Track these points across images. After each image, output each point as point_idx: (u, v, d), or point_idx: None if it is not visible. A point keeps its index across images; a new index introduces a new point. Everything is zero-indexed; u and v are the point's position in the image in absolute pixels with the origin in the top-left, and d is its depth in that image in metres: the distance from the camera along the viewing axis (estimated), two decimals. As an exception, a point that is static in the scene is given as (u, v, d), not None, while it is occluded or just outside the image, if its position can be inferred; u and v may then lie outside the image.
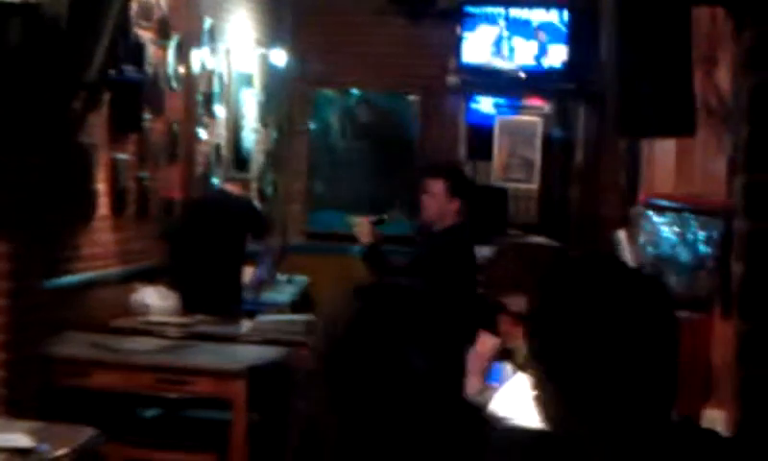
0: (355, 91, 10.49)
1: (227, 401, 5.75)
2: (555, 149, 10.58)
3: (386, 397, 1.90)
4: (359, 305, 1.98)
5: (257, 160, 9.70)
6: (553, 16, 9.98)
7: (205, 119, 8.44)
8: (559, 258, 3.08)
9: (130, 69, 6.71)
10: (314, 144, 10.55)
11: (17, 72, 5.03)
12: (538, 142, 10.56)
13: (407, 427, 1.91)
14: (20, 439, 4.26)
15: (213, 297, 7.15)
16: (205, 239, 7.35)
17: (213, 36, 8.52)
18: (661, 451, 1.85)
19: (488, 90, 10.52)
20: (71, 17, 5.30)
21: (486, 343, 4.40)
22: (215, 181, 8.34)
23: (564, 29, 9.94)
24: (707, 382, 3.84)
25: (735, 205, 3.05)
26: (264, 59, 9.83)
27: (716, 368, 3.84)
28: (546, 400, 1.90)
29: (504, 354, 4.37)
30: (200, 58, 8.23)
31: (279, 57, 10.00)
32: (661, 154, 5.42)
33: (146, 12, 7.12)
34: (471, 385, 4.17)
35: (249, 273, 7.67)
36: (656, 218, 4.36)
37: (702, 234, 4.19)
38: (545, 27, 9.99)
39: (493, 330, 4.24)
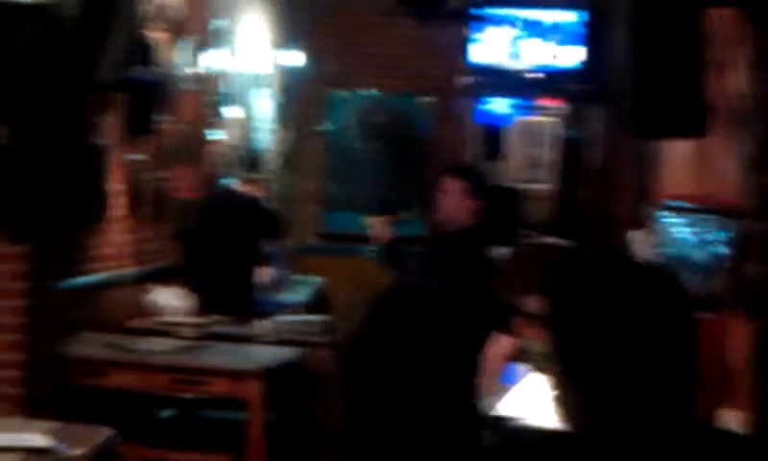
0: (369, 92, 10.49)
1: (242, 402, 5.76)
2: (569, 149, 10.56)
3: (400, 400, 1.92)
4: (380, 309, 2.00)
5: (273, 161, 9.71)
6: (568, 17, 9.97)
7: (219, 120, 8.45)
8: (573, 258, 3.09)
9: (143, 70, 6.72)
10: (328, 145, 10.55)
11: (31, 74, 5.05)
12: (552, 143, 10.54)
13: (417, 430, 1.92)
14: (37, 438, 4.27)
15: (228, 297, 7.17)
16: (220, 240, 7.37)
17: (226, 37, 8.54)
18: (681, 450, 1.85)
19: (501, 91, 10.51)
20: (84, 18, 5.32)
21: (501, 344, 4.42)
22: (228, 181, 8.35)
23: (578, 30, 9.93)
24: (721, 383, 3.85)
25: (750, 205, 3.05)
26: (278, 59, 9.84)
27: (731, 368, 3.84)
28: (565, 400, 1.91)
29: (519, 355, 4.38)
30: (213, 58, 8.24)
31: (294, 58, 10.01)
32: (675, 155, 5.42)
33: (159, 13, 7.14)
34: (487, 385, 4.19)
35: (263, 273, 7.68)
36: (669, 218, 4.37)
37: (716, 235, 4.19)
38: (560, 28, 9.98)
39: (508, 331, 4.26)
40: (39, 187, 5.32)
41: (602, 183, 9.90)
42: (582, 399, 1.87)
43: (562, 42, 9.94)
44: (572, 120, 10.53)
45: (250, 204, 7.73)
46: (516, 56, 10.01)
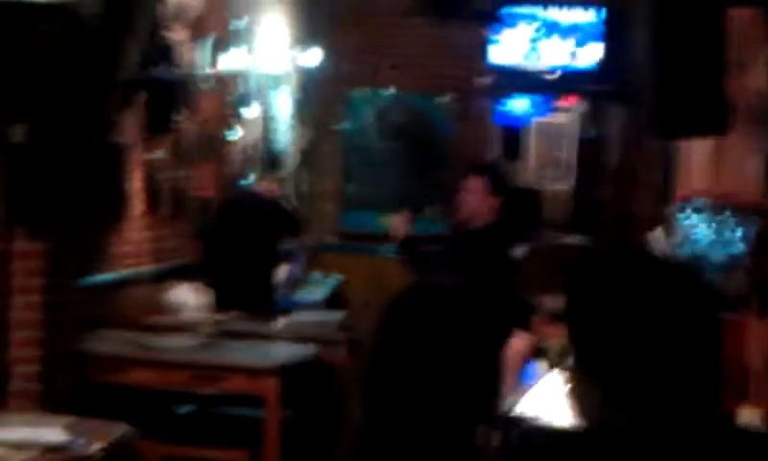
0: (388, 92, 10.49)
1: (259, 399, 5.77)
2: (589, 149, 10.55)
3: (420, 401, 1.91)
4: (398, 309, 1.99)
5: (292, 160, 9.72)
6: (587, 17, 9.95)
7: (238, 119, 8.46)
8: (593, 254, 3.08)
9: (163, 69, 6.74)
10: (347, 144, 10.56)
11: (51, 72, 5.07)
12: (572, 142, 10.53)
13: (437, 431, 1.91)
14: (54, 434, 4.28)
15: (246, 295, 7.17)
16: (238, 238, 7.38)
17: (246, 36, 8.54)
18: (703, 448, 1.84)
19: (521, 91, 10.51)
20: (105, 18, 5.34)
21: (520, 342, 4.41)
22: (247, 180, 8.36)
23: (597, 29, 9.91)
24: (741, 381, 3.83)
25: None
26: (298, 59, 9.84)
27: (751, 367, 3.83)
28: (583, 395, 1.90)
29: (538, 353, 4.38)
30: (233, 58, 8.25)
31: (313, 57, 10.02)
32: (695, 153, 5.40)
33: (179, 13, 7.15)
34: (505, 384, 4.18)
35: (282, 271, 7.69)
36: (690, 217, 4.35)
37: (737, 233, 4.18)
38: (579, 28, 9.96)
39: (527, 329, 4.26)
40: (58, 185, 5.33)
41: (620, 183, 9.88)
42: (599, 395, 1.86)
43: (581, 42, 9.93)
44: (591, 120, 10.51)
45: (271, 202, 7.74)
46: (535, 56, 10.00)
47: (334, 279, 9.50)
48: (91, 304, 5.92)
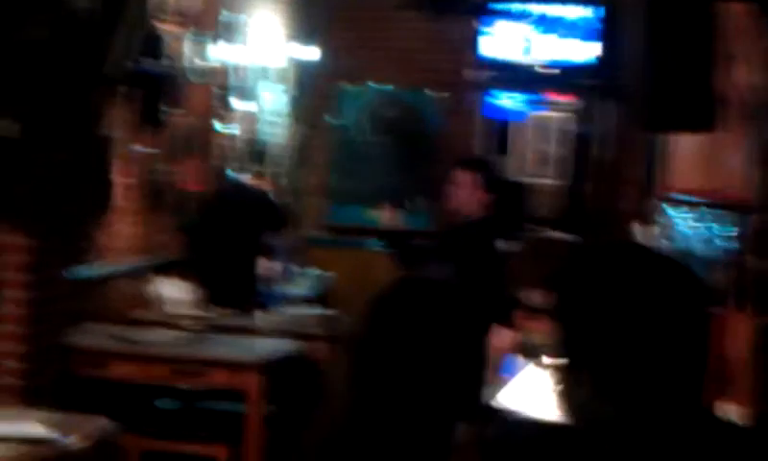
0: (379, 87, 10.47)
1: (242, 393, 5.76)
2: (576, 144, 10.56)
3: (405, 395, 1.90)
4: (386, 303, 1.98)
5: (282, 155, 9.70)
6: (578, 13, 9.94)
7: (225, 113, 8.44)
8: (583, 248, 3.06)
9: (151, 63, 6.71)
10: (336, 139, 10.54)
11: (40, 66, 5.05)
12: (560, 138, 10.53)
13: (422, 425, 1.90)
14: (36, 428, 4.26)
15: (231, 289, 7.16)
16: (224, 232, 7.36)
17: (234, 29, 8.53)
18: (689, 440, 1.83)
19: (510, 86, 10.50)
20: (95, 10, 5.32)
21: (502, 336, 4.40)
22: (234, 174, 8.34)
23: (590, 26, 9.91)
24: (721, 376, 3.83)
25: (754, 200, 3.03)
26: (288, 53, 9.83)
27: (731, 362, 3.82)
28: (570, 389, 1.88)
29: (519, 348, 4.37)
30: (221, 51, 8.23)
31: (304, 52, 10.00)
32: (683, 149, 5.40)
33: (168, 6, 7.13)
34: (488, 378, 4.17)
35: (267, 266, 7.67)
36: (673, 212, 4.35)
37: (719, 229, 4.17)
38: (570, 24, 9.96)
39: (509, 324, 4.25)
40: (45, 178, 5.31)
41: (609, 178, 9.88)
42: (586, 389, 1.85)
43: (573, 38, 9.92)
44: (579, 115, 10.52)
45: (257, 197, 7.73)
46: (527, 51, 9.99)
47: (322, 274, 9.49)
48: (76, 298, 5.89)
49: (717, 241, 4.11)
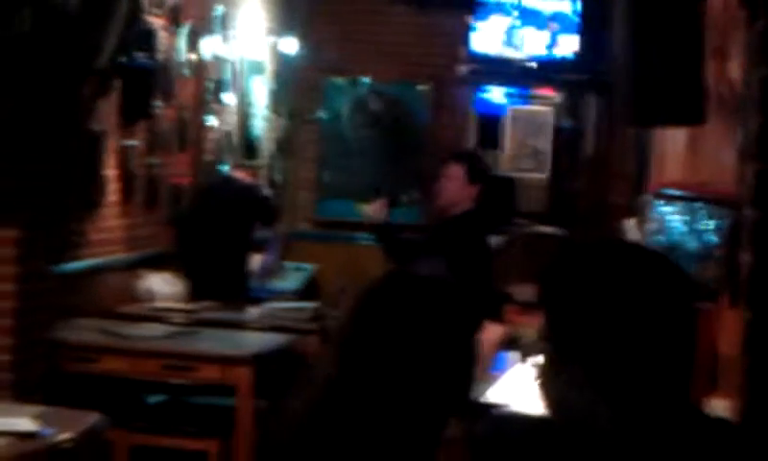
0: (366, 80, 10.46)
1: (232, 388, 5.75)
2: (565, 139, 10.54)
3: (392, 393, 1.89)
4: (372, 298, 1.97)
5: (267, 148, 9.69)
6: (565, 6, 9.93)
7: (215, 106, 8.43)
8: (565, 247, 3.06)
9: (140, 56, 6.70)
10: (324, 132, 10.53)
11: (27, 59, 5.03)
12: (548, 132, 10.52)
13: (409, 423, 1.90)
14: (24, 423, 4.25)
15: (220, 284, 7.15)
16: (213, 226, 7.35)
17: (224, 23, 8.51)
18: (676, 435, 1.84)
19: (498, 80, 10.48)
20: (82, 4, 5.30)
21: (492, 331, 4.40)
22: (224, 168, 8.33)
23: (575, 19, 9.90)
24: (712, 372, 3.83)
25: (744, 194, 3.03)
26: (275, 47, 9.82)
27: (722, 357, 3.83)
28: (558, 385, 1.88)
29: (510, 343, 4.37)
30: (210, 45, 8.22)
31: (291, 45, 9.99)
32: (671, 143, 5.40)
33: (157, -1, 7.12)
34: (477, 373, 4.16)
35: (256, 260, 7.67)
36: (664, 207, 4.34)
37: (710, 224, 4.18)
38: (557, 17, 9.95)
39: (499, 319, 4.25)
40: (33, 172, 5.30)
41: (596, 173, 9.89)
42: (574, 384, 1.85)
43: (558, 31, 9.91)
44: (568, 110, 10.51)
45: (246, 190, 7.72)
46: (512, 45, 9.98)
47: (309, 268, 9.48)
48: (64, 292, 5.88)
49: (708, 236, 4.12)
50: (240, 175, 7.98)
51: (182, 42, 7.62)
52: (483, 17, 9.98)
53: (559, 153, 10.40)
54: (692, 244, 4.19)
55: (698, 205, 4.25)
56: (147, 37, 6.86)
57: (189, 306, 6.82)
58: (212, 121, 8.37)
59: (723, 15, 4.45)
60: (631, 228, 5.28)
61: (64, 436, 4.26)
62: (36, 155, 5.30)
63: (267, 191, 8.43)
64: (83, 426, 4.42)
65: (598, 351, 1.84)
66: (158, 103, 7.20)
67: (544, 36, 9.91)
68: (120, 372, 5.85)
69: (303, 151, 10.52)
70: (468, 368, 1.99)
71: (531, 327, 3.35)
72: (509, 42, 9.96)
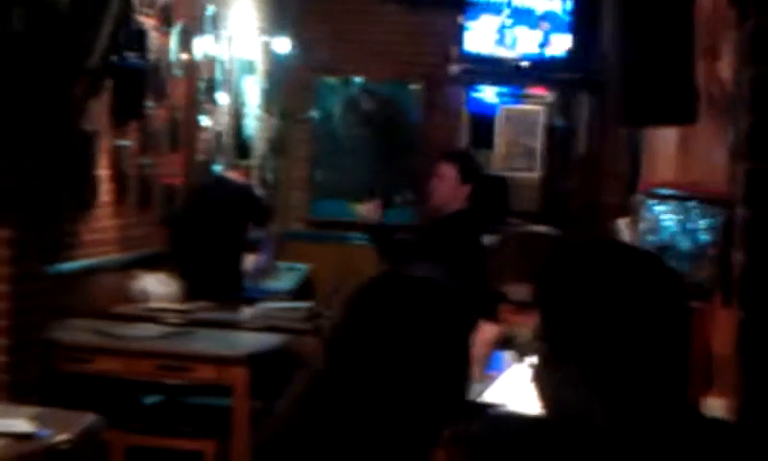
0: (358, 79, 10.47)
1: (228, 388, 5.76)
2: (557, 138, 10.56)
3: (384, 395, 1.89)
4: (363, 300, 1.97)
5: (260, 148, 9.70)
6: (556, 5, 9.95)
7: (208, 106, 8.43)
8: (559, 247, 3.08)
9: (132, 56, 6.71)
10: (316, 132, 10.53)
11: (19, 58, 5.03)
12: (540, 131, 10.53)
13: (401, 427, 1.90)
14: (20, 424, 4.26)
15: (214, 284, 7.16)
16: (207, 226, 7.35)
17: (216, 23, 8.52)
18: (672, 431, 1.85)
19: (490, 79, 10.49)
20: (73, 4, 5.30)
21: (487, 331, 4.41)
22: (217, 168, 8.34)
23: (567, 18, 9.91)
24: (707, 371, 3.85)
25: (736, 193, 3.04)
26: (267, 46, 9.82)
27: (717, 356, 3.84)
28: (553, 384, 1.89)
29: (505, 342, 4.38)
30: (202, 45, 8.22)
31: (282, 44, 9.99)
32: (663, 142, 5.41)
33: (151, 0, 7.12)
34: (472, 374, 4.17)
35: (250, 260, 7.67)
36: (656, 206, 4.35)
37: (703, 223, 4.19)
38: (548, 16, 9.96)
39: (494, 319, 4.25)
40: (27, 172, 5.30)
41: (589, 172, 9.90)
42: (569, 384, 1.86)
43: (550, 30, 9.92)
44: (560, 109, 10.52)
45: (240, 190, 7.72)
46: (504, 44, 9.98)
47: (302, 268, 9.49)
48: (58, 293, 5.88)
49: (700, 235, 4.13)
50: (233, 175, 7.99)
51: (174, 42, 7.62)
52: (474, 17, 9.98)
53: (551, 152, 10.42)
54: (685, 243, 4.20)
55: (690, 204, 4.26)
56: (138, 37, 6.86)
57: (183, 307, 6.82)
58: (204, 121, 8.37)
59: (713, 15, 4.46)
60: (623, 227, 5.29)
61: (61, 437, 4.26)
62: (29, 155, 5.30)
63: (260, 191, 8.44)
64: (79, 427, 4.42)
65: (593, 349, 1.85)
66: (150, 103, 7.20)
67: (536, 35, 9.92)
68: (115, 372, 5.85)
69: (296, 150, 10.53)
70: (457, 369, 1.99)
71: (526, 326, 3.36)
72: (501, 42, 9.97)
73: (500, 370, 4.37)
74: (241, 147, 8.98)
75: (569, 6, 9.90)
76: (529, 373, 2.04)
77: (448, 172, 6.21)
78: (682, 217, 4.24)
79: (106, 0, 5.80)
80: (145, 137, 7.22)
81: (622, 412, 1.83)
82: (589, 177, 9.85)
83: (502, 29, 9.98)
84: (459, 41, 10.02)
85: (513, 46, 9.98)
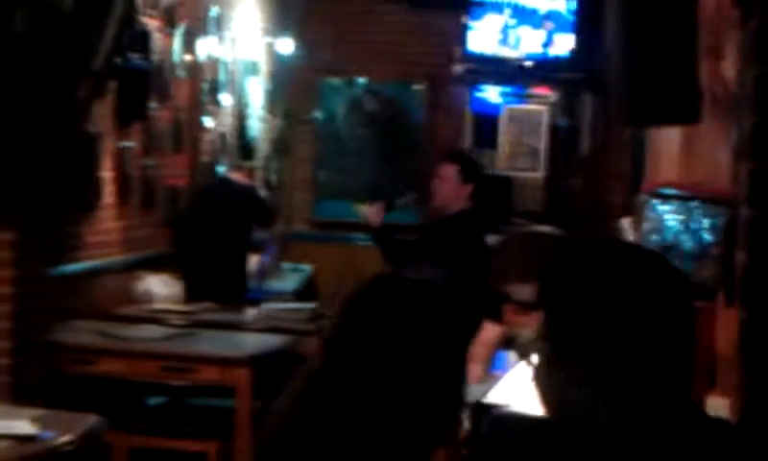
0: (361, 80, 10.47)
1: (231, 389, 5.76)
2: (560, 138, 10.55)
3: (381, 397, 1.89)
4: (360, 302, 1.97)
5: (263, 149, 9.70)
6: (560, 5, 9.94)
7: (211, 107, 8.43)
8: (563, 247, 3.07)
9: (136, 57, 6.71)
10: (320, 133, 10.54)
11: (23, 60, 5.03)
12: (543, 131, 10.52)
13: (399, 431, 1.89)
14: (23, 426, 4.25)
15: (218, 285, 7.16)
16: (210, 227, 7.35)
17: (219, 24, 8.52)
18: (676, 432, 1.84)
19: (493, 79, 10.48)
20: (77, 5, 5.30)
21: (490, 331, 4.40)
22: (220, 169, 8.34)
23: (570, 18, 9.90)
24: (710, 370, 3.84)
25: (739, 193, 3.04)
26: (271, 47, 9.82)
27: (720, 356, 3.84)
28: (555, 384, 1.89)
29: (508, 343, 4.37)
30: (206, 46, 8.22)
31: (286, 45, 9.99)
32: (666, 142, 5.41)
33: (153, 1, 7.12)
34: (474, 373, 4.17)
35: (253, 261, 7.67)
36: (660, 206, 4.35)
37: (706, 223, 4.18)
38: (552, 16, 9.95)
39: (497, 319, 4.25)
40: (30, 174, 5.30)
41: (592, 172, 9.90)
42: (572, 384, 1.85)
43: (554, 30, 9.91)
44: (564, 108, 10.51)
45: (244, 192, 7.72)
46: (507, 44, 9.98)
47: (306, 269, 9.49)
48: (62, 295, 5.89)
49: (705, 235, 4.13)
50: (236, 176, 7.99)
51: (178, 43, 7.63)
52: (478, 16, 9.98)
53: (555, 152, 10.41)
54: (688, 243, 4.20)
55: (693, 204, 4.26)
56: (142, 39, 6.86)
57: (187, 308, 6.82)
58: (208, 122, 8.37)
59: (717, 14, 4.46)
60: (626, 227, 5.29)
61: (64, 439, 4.26)
62: (32, 156, 5.30)
63: (263, 192, 8.44)
64: (82, 429, 4.42)
65: (597, 349, 1.85)
66: (154, 104, 7.21)
67: (540, 34, 9.91)
68: (118, 373, 5.85)
69: (299, 151, 10.53)
70: (453, 370, 1.98)
71: (529, 326, 3.35)
72: (504, 41, 9.96)
73: (504, 370, 4.36)
74: (244, 148, 8.98)
75: (573, 5, 9.88)
76: (531, 372, 2.04)
77: (449, 172, 6.22)
78: (685, 217, 4.24)
79: (109, 1, 5.80)
80: (148, 139, 7.22)
81: (625, 412, 1.83)
82: (593, 177, 9.84)
83: (505, 29, 9.97)
84: (462, 41, 10.02)
85: (516, 46, 9.98)
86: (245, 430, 5.67)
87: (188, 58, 7.84)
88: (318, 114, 10.48)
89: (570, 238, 3.69)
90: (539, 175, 10.40)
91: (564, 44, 9.90)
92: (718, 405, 3.39)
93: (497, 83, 10.47)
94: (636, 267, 1.90)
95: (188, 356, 5.83)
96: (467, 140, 10.31)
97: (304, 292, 8.85)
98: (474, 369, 4.22)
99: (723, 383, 3.67)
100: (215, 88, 8.48)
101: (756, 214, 2.85)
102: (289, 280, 8.94)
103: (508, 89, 10.54)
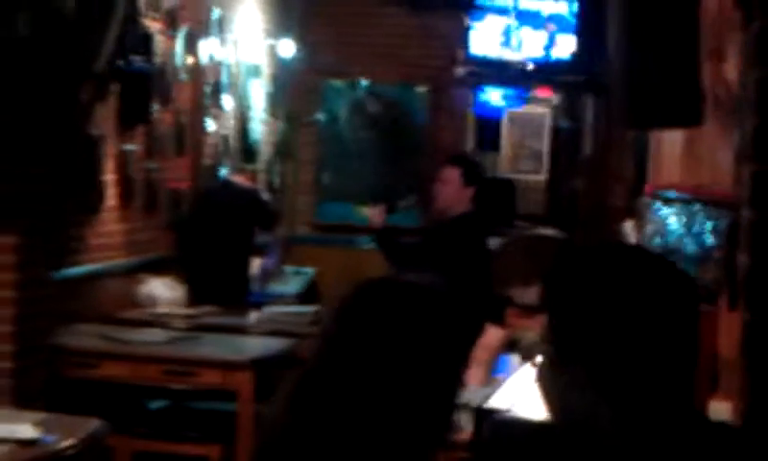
0: (364, 82, 10.47)
1: (233, 393, 5.75)
2: (563, 140, 10.56)
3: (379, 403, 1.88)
4: (355, 306, 1.96)
5: (265, 151, 9.70)
6: (562, 7, 9.93)
7: (214, 110, 8.43)
8: (565, 250, 3.06)
9: (138, 60, 6.71)
10: (322, 135, 10.54)
11: (25, 63, 5.03)
12: (546, 133, 10.54)
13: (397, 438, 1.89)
14: (25, 430, 4.25)
15: (221, 288, 7.16)
16: (213, 230, 7.35)
17: (222, 26, 8.52)
18: (679, 436, 1.84)
19: (496, 82, 10.49)
20: (79, 8, 5.30)
21: (492, 335, 4.40)
22: (223, 171, 8.34)
23: (572, 20, 9.90)
24: (713, 374, 3.84)
25: (742, 195, 3.04)
26: (273, 49, 9.82)
27: (722, 359, 3.84)
28: (559, 387, 1.89)
29: (511, 346, 4.37)
30: (208, 48, 8.23)
31: (288, 47, 9.99)
32: (669, 144, 5.41)
33: (155, 3, 7.12)
34: (476, 376, 4.16)
35: (256, 264, 7.67)
36: (662, 209, 4.35)
37: (708, 225, 4.18)
38: (554, 18, 9.94)
39: (500, 322, 4.25)
40: (33, 177, 5.30)
41: (595, 174, 9.90)
42: (575, 387, 1.85)
43: (556, 32, 9.91)
44: (566, 111, 10.52)
45: (247, 195, 7.72)
46: (510, 46, 9.98)
47: (309, 272, 9.48)
48: (64, 298, 5.88)
49: (707, 238, 4.13)
50: (239, 179, 7.99)
51: (180, 46, 7.62)
52: (480, 19, 9.98)
53: (557, 154, 10.42)
54: (690, 246, 4.20)
55: (696, 206, 4.26)
56: (144, 41, 6.86)
57: (190, 311, 6.82)
58: (210, 125, 8.37)
59: (719, 17, 4.46)
60: (631, 230, 5.29)
61: (66, 443, 4.25)
62: (34, 160, 5.30)
63: (266, 195, 8.43)
64: (84, 433, 4.41)
65: (601, 352, 1.85)
66: (156, 107, 7.20)
67: (542, 37, 9.91)
68: (121, 377, 5.85)
69: (302, 154, 10.53)
70: (449, 373, 1.97)
71: (532, 330, 3.35)
72: (507, 44, 9.96)
73: (507, 373, 4.36)
74: (247, 151, 8.98)
75: (575, 7, 9.87)
76: (534, 374, 2.03)
77: (451, 175, 6.22)
78: (687, 220, 4.24)
79: (112, 4, 5.80)
80: (151, 142, 7.22)
81: (629, 415, 1.82)
82: (595, 179, 9.85)
83: (508, 31, 9.97)
84: (465, 44, 10.02)
85: (518, 48, 9.97)
86: (247, 434, 5.66)
87: (190, 60, 7.84)
88: (320, 117, 10.48)
89: (573, 241, 3.69)
90: (541, 177, 10.41)
91: (567, 46, 9.90)
92: (721, 409, 3.38)
93: (500, 85, 10.48)
94: (638, 270, 1.90)
95: (191, 360, 5.82)
96: (469, 143, 10.32)
97: (307, 295, 8.84)
98: (477, 372, 4.23)
99: (726, 387, 3.67)
100: (217, 91, 8.48)
101: (758, 216, 2.85)
102: (292, 284, 8.93)
103: (510, 92, 10.54)
